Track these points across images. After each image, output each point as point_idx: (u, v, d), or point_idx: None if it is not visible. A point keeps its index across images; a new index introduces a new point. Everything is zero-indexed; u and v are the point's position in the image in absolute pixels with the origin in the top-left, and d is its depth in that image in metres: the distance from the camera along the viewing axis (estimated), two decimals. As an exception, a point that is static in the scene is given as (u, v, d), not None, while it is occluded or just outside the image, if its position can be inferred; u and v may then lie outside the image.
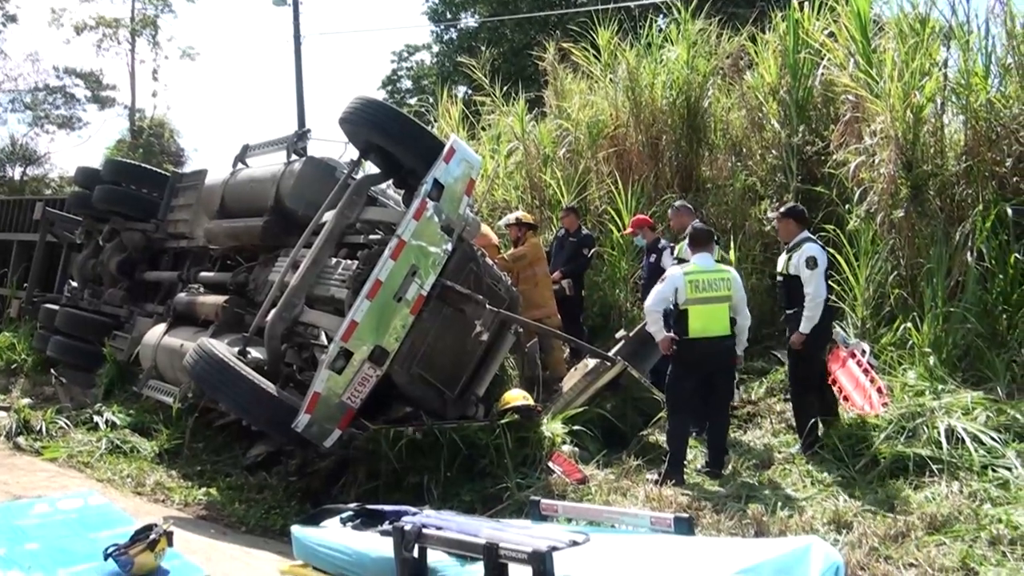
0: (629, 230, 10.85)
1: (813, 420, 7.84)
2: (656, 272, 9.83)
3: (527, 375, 9.23)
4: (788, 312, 8.11)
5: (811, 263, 7.75)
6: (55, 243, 15.31)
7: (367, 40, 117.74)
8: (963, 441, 6.98)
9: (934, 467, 6.83)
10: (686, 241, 8.68)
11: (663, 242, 10.35)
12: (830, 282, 8.20)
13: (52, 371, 12.69)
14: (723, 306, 7.66)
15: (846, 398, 8.19)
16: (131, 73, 39.72)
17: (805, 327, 7.77)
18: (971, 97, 9.50)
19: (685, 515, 3.82)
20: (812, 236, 8.18)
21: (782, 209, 8.50)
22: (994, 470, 6.66)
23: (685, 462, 7.72)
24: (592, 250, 11.30)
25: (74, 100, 39.80)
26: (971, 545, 5.59)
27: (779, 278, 8.33)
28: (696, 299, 7.55)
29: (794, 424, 8.41)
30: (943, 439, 7.04)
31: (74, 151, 73.24)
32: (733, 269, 8.21)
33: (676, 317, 7.63)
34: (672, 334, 7.62)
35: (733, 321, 7.76)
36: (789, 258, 8.00)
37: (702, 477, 7.68)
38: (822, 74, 11.49)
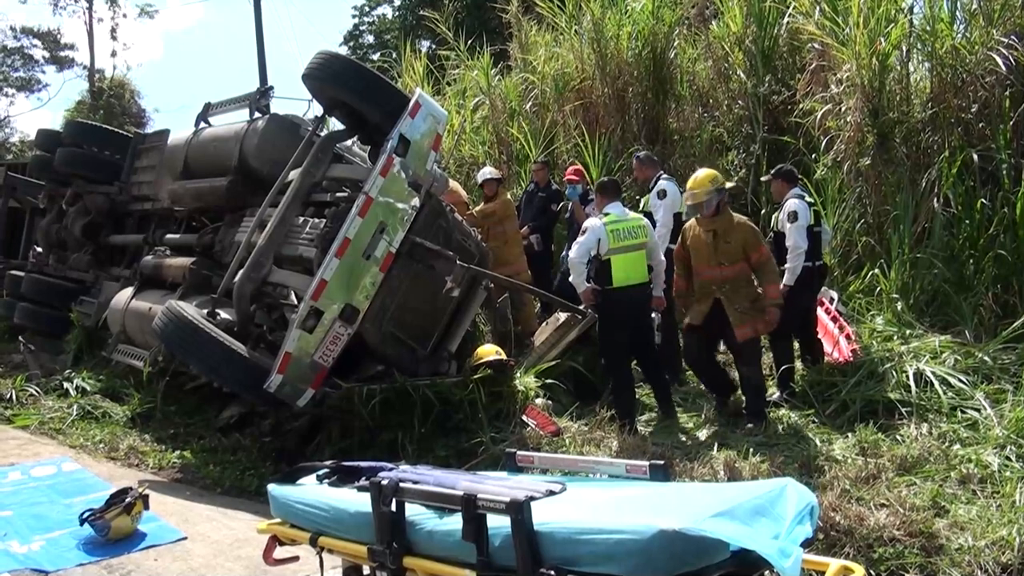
0: (568, 178, 10.71)
1: (788, 366, 7.92)
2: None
3: (499, 330, 9.25)
4: (781, 268, 8.17)
5: (791, 217, 7.87)
6: (18, 208, 15.10)
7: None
8: (932, 384, 7.09)
9: (903, 410, 6.94)
10: (652, 194, 8.78)
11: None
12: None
13: (20, 338, 12.57)
14: (641, 253, 7.71)
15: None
16: (89, 32, 38.93)
17: (788, 278, 7.84)
18: (936, 43, 9.53)
19: (661, 462, 3.84)
20: (801, 193, 8.24)
21: (773, 171, 8.58)
22: (963, 411, 6.77)
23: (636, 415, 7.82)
24: (561, 204, 11.28)
25: (32, 61, 39.11)
26: (941, 484, 5.68)
27: (771, 235, 8.51)
28: (618, 248, 7.56)
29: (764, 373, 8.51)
30: (912, 383, 7.15)
31: (34, 114, 72.11)
32: (643, 216, 8.24)
33: (598, 268, 7.62)
34: (588, 288, 7.65)
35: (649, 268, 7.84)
36: (778, 215, 8.13)
37: (671, 424, 7.75)
38: (788, 23, 11.45)
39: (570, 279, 7.81)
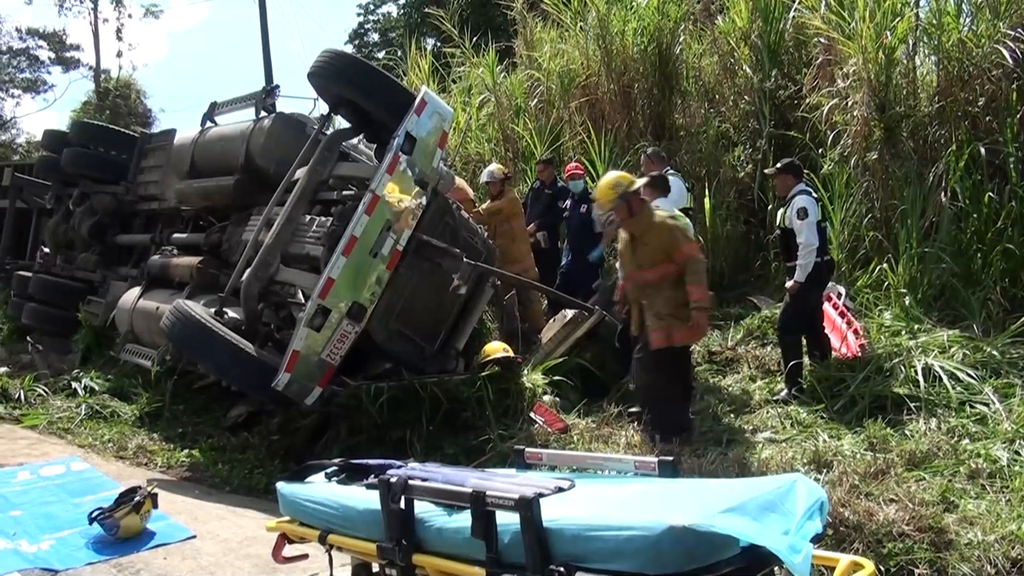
0: (570, 174, 10.67)
1: (796, 362, 7.89)
2: (587, 222, 10.09)
3: (506, 328, 9.25)
4: (788, 264, 8.14)
5: (802, 214, 7.80)
6: (25, 209, 15.13)
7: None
8: (940, 379, 7.05)
9: (912, 405, 6.90)
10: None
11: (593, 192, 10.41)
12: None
13: (28, 339, 12.62)
14: None
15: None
16: (94, 32, 39.06)
17: (800, 275, 7.81)
18: (943, 37, 9.51)
19: (669, 458, 3.83)
20: (807, 188, 8.19)
21: (778, 165, 8.47)
22: (971, 406, 6.74)
23: None
24: (567, 202, 11.27)
25: (38, 62, 39.17)
26: (950, 480, 5.67)
27: (777, 231, 8.41)
28: None
29: (771, 369, 8.50)
30: (920, 378, 7.12)
31: (40, 115, 72.14)
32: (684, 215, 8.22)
33: None
34: None
35: None
36: (785, 212, 8.06)
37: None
38: (793, 17, 11.42)
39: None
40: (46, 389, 10.32)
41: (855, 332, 8.14)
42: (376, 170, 7.56)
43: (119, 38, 39.89)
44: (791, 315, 8.09)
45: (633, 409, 7.62)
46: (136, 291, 10.39)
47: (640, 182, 7.18)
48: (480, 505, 3.22)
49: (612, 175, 7.19)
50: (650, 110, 13.04)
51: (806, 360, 8.10)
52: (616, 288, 8.02)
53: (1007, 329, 7.68)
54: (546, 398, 7.85)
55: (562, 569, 2.96)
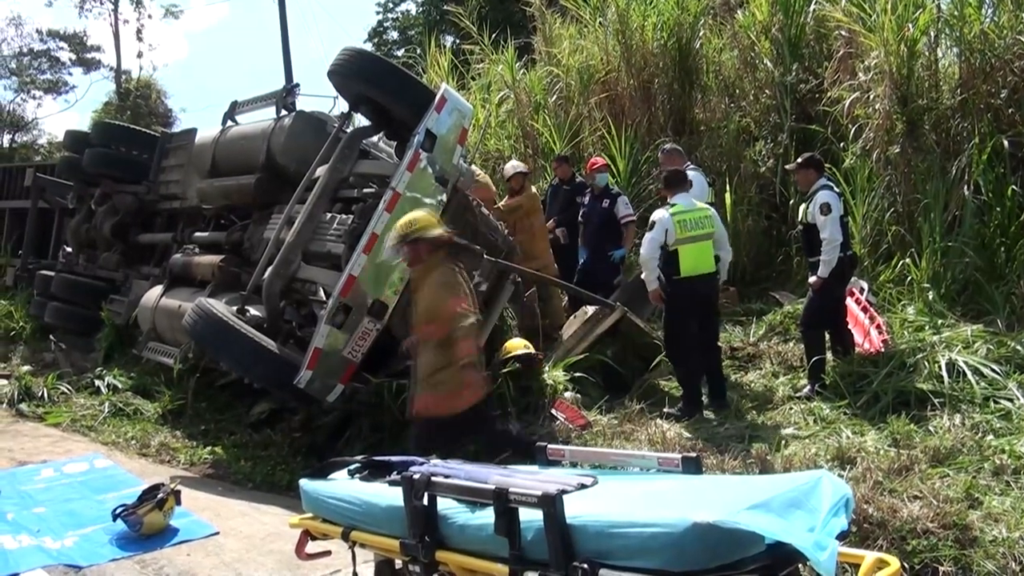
0: (593, 167, 10.58)
1: (819, 357, 7.84)
2: (609, 218, 10.01)
3: (527, 325, 9.22)
4: (811, 260, 8.09)
5: (825, 209, 7.73)
6: (48, 209, 15.24)
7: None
8: (964, 374, 6.98)
9: (936, 401, 6.83)
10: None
11: (615, 188, 10.36)
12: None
13: (51, 337, 12.70)
14: (709, 243, 7.75)
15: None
16: (115, 33, 39.09)
17: (823, 271, 7.75)
18: (965, 29, 9.44)
19: (693, 455, 3.81)
20: (829, 183, 8.12)
21: (799, 160, 8.39)
22: (996, 402, 6.66)
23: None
24: (585, 198, 11.23)
25: (59, 64, 39.29)
26: (975, 476, 5.60)
27: (800, 227, 8.41)
28: (685, 238, 7.62)
29: (794, 365, 8.46)
30: (944, 373, 7.05)
31: (62, 116, 72.59)
32: (709, 207, 8.19)
33: (666, 259, 7.66)
34: (658, 285, 7.72)
35: (716, 258, 7.85)
36: (807, 207, 8.01)
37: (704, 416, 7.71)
38: (814, 10, 11.39)
39: (641, 276, 7.85)
40: (69, 387, 10.41)
41: (878, 327, 8.08)
42: (396, 167, 7.56)
43: (139, 39, 39.95)
44: (814, 310, 8.03)
45: (668, 410, 7.63)
46: (158, 290, 10.45)
47: (435, 233, 5.92)
48: (503, 502, 3.21)
49: (411, 215, 6.10)
50: (670, 105, 13.01)
51: (829, 356, 8.05)
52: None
53: (1031, 324, 7.61)
54: (567, 395, 7.84)
55: (585, 566, 2.95)
